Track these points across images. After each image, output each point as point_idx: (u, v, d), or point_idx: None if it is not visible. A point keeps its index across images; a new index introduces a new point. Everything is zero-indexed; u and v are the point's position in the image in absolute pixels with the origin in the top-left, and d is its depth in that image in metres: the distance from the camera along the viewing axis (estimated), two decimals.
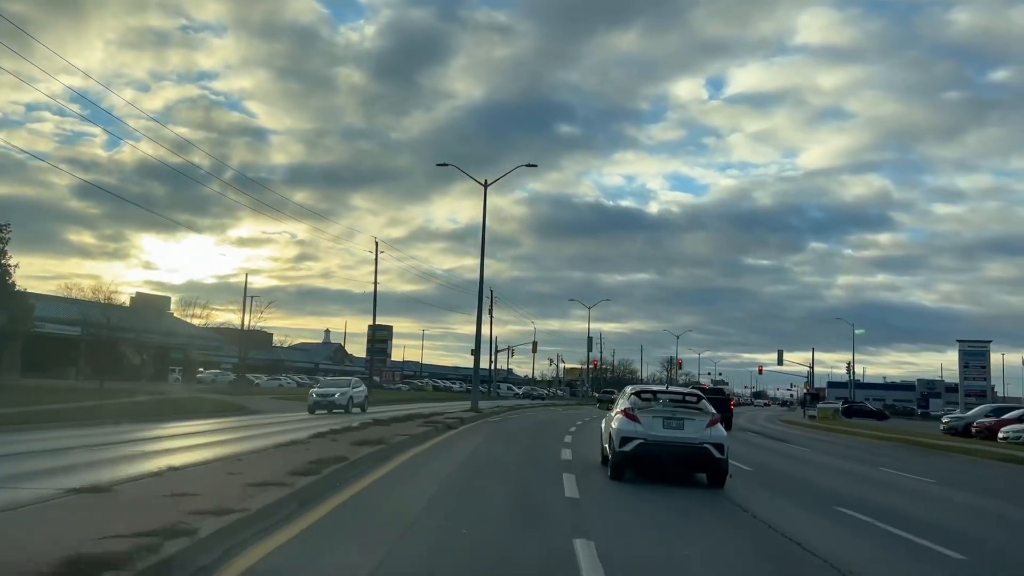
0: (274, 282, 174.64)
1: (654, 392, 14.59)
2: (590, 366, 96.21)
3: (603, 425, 16.05)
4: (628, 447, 12.85)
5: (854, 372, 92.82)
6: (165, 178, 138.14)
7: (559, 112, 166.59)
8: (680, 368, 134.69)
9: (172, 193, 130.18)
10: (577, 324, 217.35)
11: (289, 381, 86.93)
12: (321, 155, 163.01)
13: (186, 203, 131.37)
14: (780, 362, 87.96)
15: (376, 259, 61.14)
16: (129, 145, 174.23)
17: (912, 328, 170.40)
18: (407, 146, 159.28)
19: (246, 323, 67.84)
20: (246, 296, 59.93)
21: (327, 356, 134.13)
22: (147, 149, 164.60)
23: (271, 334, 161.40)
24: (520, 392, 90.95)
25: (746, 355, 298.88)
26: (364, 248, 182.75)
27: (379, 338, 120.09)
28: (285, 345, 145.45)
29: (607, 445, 14.34)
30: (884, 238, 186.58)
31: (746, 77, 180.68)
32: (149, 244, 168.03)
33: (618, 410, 14.02)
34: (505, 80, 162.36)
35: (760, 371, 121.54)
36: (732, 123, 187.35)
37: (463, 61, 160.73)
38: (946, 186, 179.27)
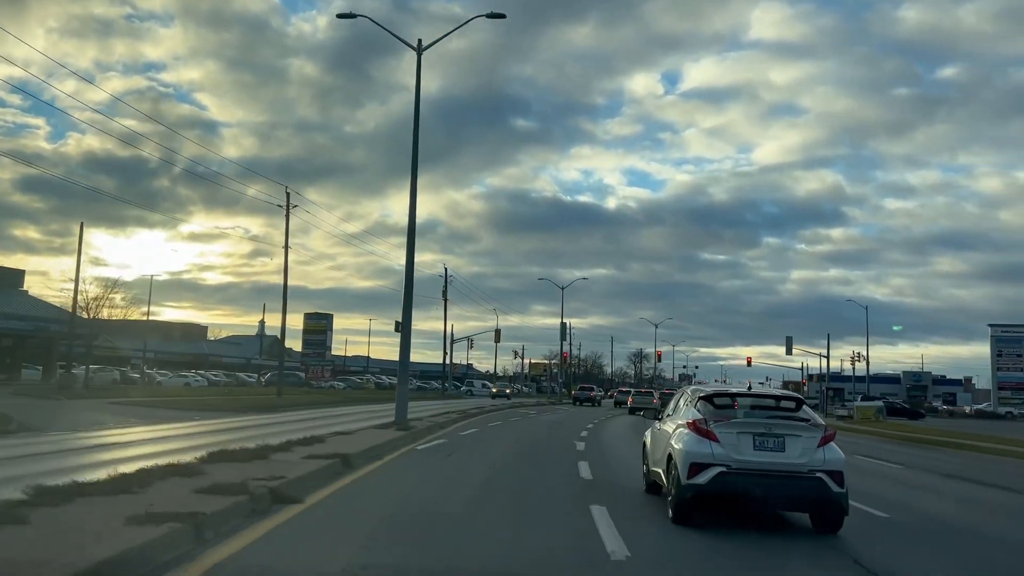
0: (228, 278, 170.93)
1: (732, 395, 10.49)
2: (562, 359, 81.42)
3: (647, 440, 12.06)
4: (702, 478, 9.05)
5: (869, 364, 79.40)
6: (113, 171, 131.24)
7: (515, 106, 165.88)
8: (659, 361, 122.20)
9: (121, 187, 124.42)
10: (538, 319, 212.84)
11: (199, 379, 71.12)
12: (274, 148, 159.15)
13: (136, 197, 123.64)
14: (789, 351, 74.22)
15: (287, 214, 45.69)
16: (74, 137, 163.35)
17: (863, 321, 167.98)
18: (362, 140, 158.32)
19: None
20: (78, 272, 42.60)
21: (261, 350, 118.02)
22: (93, 142, 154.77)
23: (205, 327, 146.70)
24: (499, 391, 74.77)
25: (704, 349, 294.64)
26: (320, 243, 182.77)
27: (315, 328, 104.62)
28: (218, 339, 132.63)
29: (661, 470, 10.51)
30: (837, 233, 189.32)
31: (700, 72, 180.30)
32: (98, 239, 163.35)
33: (683, 421, 9.97)
34: (460, 73, 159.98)
35: (749, 362, 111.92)
36: (687, 118, 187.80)
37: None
38: (896, 182, 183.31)
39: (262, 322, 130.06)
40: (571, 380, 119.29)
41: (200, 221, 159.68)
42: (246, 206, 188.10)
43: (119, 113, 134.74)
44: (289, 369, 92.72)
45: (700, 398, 10.28)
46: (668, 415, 11.43)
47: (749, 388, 11.51)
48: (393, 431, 19.25)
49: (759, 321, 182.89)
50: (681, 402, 11.19)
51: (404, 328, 22.74)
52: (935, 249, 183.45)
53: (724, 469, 9.09)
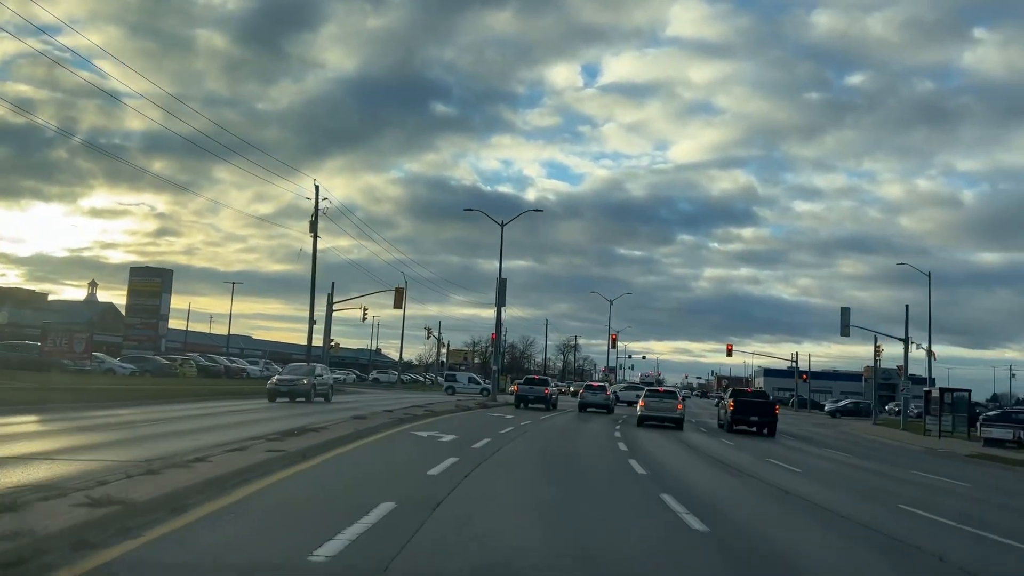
0: (133, 257, 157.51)
1: None
2: (496, 334, 54.09)
3: None
4: None
5: (931, 359, 55.08)
6: (4, 140, 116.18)
7: (434, 90, 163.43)
8: (614, 347, 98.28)
9: (14, 157, 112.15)
10: (456, 310, 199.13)
11: None
12: (181, 123, 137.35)
13: (30, 169, 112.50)
14: (845, 331, 49.86)
15: None
16: None
17: (771, 319, 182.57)
18: (275, 117, 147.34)
19: None
20: None
21: (90, 317, 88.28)
22: None
23: (45, 294, 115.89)
24: (283, 382, 43.59)
25: (619, 343, 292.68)
26: (230, 224, 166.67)
27: (145, 288, 75.55)
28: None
29: None
30: (748, 232, 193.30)
31: (620, 66, 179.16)
32: None
33: None
34: (378, 53, 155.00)
35: (729, 350, 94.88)
36: (606, 112, 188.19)
37: (333, 30, 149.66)
38: (805, 184, 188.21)
39: (93, 283, 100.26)
40: (501, 368, 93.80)
41: (102, 196, 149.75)
42: (151, 182, 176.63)
43: (10, 78, 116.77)
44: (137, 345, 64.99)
45: None
46: None
47: None
48: None
49: (673, 317, 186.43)
50: None
51: None
52: (840, 251, 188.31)
53: None
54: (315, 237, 45.79)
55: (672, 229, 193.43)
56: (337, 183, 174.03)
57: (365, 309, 60.24)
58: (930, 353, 55.04)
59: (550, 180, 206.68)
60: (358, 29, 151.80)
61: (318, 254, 45.47)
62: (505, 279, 47.03)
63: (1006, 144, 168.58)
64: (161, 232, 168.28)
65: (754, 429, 32.37)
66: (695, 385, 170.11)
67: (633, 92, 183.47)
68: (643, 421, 32.61)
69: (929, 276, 56.20)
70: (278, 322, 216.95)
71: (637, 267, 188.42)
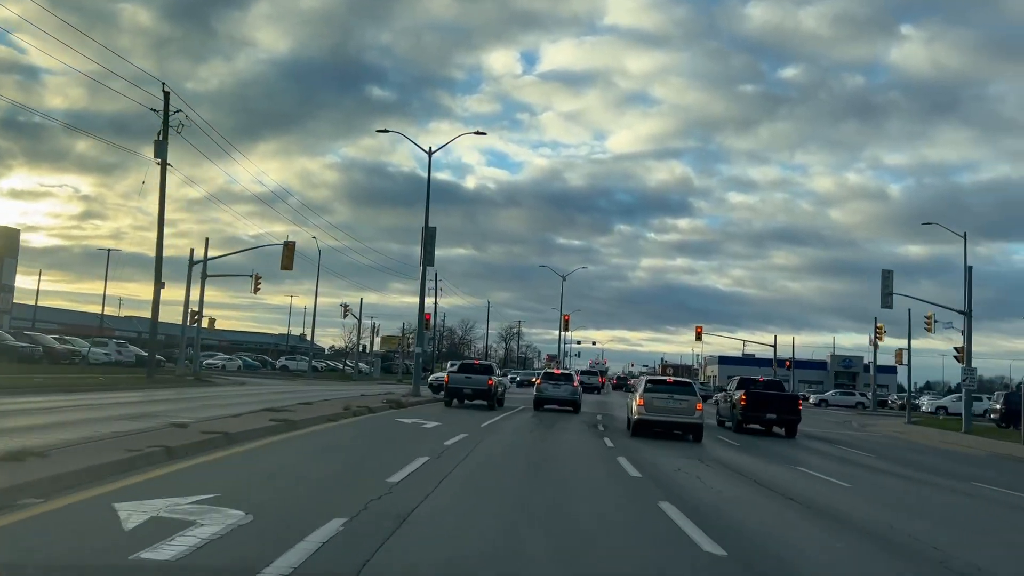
0: (56, 241, 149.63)
1: None
2: (422, 309, 40.66)
3: None
4: None
5: (970, 343, 43.72)
6: None
7: (371, 74, 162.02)
8: (566, 330, 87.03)
9: None
10: (396, 298, 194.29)
11: None
12: (106, 102, 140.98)
13: None
14: (887, 300, 38.43)
15: None
16: None
17: (706, 309, 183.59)
18: (205, 98, 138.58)
19: None
20: None
21: None
22: None
23: None
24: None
25: (556, 332, 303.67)
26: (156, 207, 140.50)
27: None
28: None
29: None
30: (684, 223, 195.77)
31: (558, 54, 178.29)
32: None
33: None
34: (313, 34, 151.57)
35: (699, 333, 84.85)
36: (545, 100, 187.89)
37: (266, 8, 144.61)
38: (740, 176, 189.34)
39: None
40: (436, 355, 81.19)
41: (22, 176, 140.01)
42: (75, 162, 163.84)
43: None
44: None
45: None
46: None
47: None
48: None
49: (610, 306, 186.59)
50: None
51: None
52: (772, 243, 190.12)
53: None
54: (164, 164, 32.34)
55: (610, 219, 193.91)
56: (272, 167, 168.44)
57: (258, 278, 46.70)
58: (969, 331, 43.84)
59: (490, 168, 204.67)
60: (291, 8, 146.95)
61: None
62: (434, 227, 34.05)
63: (930, 140, 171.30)
64: (86, 215, 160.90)
65: (764, 428, 27.86)
66: (637, 374, 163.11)
67: (571, 80, 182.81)
68: (642, 428, 20.90)
69: (964, 237, 45.34)
70: (214, 310, 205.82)
71: (576, 256, 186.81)
